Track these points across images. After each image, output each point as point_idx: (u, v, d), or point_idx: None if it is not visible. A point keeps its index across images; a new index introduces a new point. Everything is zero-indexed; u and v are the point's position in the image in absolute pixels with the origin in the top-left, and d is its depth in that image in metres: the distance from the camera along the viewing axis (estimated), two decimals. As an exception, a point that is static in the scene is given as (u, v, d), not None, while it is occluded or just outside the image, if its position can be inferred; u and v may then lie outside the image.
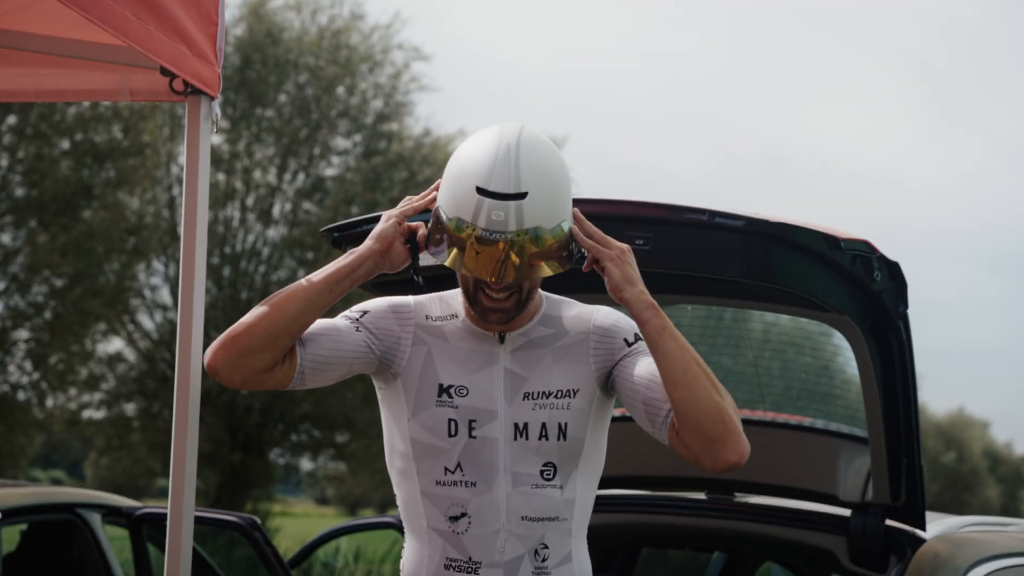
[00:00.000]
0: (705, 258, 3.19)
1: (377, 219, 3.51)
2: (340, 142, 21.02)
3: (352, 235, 3.60)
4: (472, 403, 2.53)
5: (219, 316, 19.12)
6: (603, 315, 2.64)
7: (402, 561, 2.62)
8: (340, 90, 20.63)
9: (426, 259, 3.47)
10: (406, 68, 21.10)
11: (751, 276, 3.22)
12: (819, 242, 3.19)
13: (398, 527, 5.79)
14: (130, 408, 20.48)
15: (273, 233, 20.45)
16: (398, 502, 2.62)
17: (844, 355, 3.91)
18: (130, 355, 20.16)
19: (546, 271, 2.48)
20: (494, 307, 2.50)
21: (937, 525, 3.83)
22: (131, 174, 16.75)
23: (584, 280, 3.24)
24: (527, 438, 2.52)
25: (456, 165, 2.48)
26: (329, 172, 20.94)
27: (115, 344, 20.20)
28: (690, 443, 2.43)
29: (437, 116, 49.35)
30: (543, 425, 2.52)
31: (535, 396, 2.53)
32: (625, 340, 2.60)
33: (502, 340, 2.57)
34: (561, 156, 2.51)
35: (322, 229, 3.67)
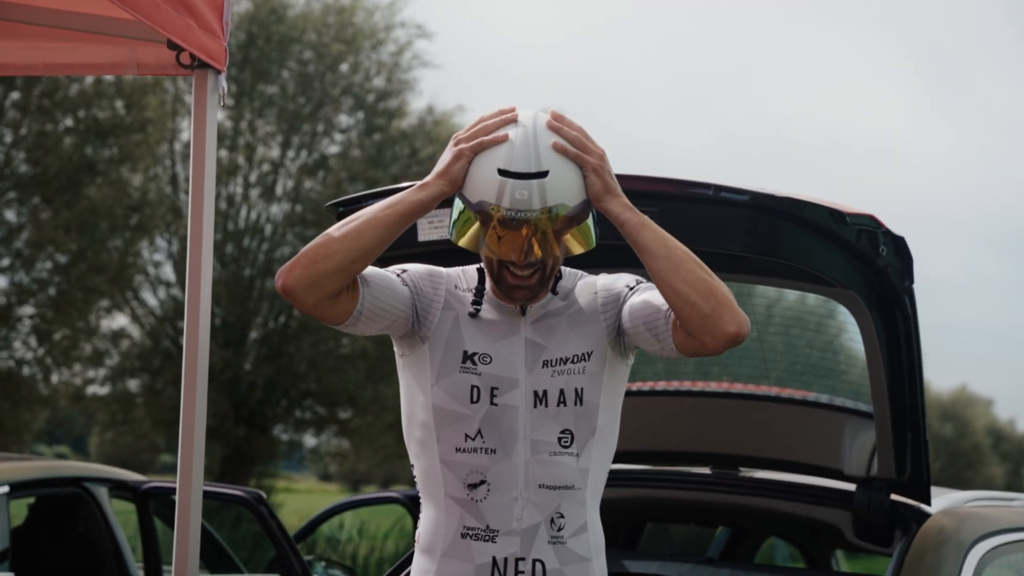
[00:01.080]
0: (711, 233, 3.19)
1: (378, 195, 3.53)
2: (343, 119, 21.01)
3: (357, 210, 3.60)
4: (495, 371, 2.58)
5: (222, 292, 19.15)
6: (606, 276, 2.72)
7: (418, 532, 2.64)
8: (343, 67, 20.60)
9: (429, 234, 3.49)
10: (408, 45, 21.07)
11: (757, 251, 3.23)
12: (825, 217, 3.19)
13: (403, 502, 5.81)
14: (134, 384, 20.52)
15: (276, 210, 20.45)
16: (415, 473, 2.65)
17: (849, 331, 3.92)
18: (134, 331, 20.20)
19: (576, 247, 2.55)
20: (519, 284, 2.56)
21: (942, 500, 3.83)
22: (134, 150, 16.74)
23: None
24: (546, 405, 2.57)
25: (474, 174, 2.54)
26: (332, 149, 20.93)
27: (119, 320, 20.24)
28: (688, 327, 2.48)
29: (441, 94, 49.27)
30: (561, 392, 2.58)
31: (553, 363, 2.59)
32: (627, 286, 2.68)
33: (523, 312, 2.63)
34: None
35: (327, 204, 3.68)
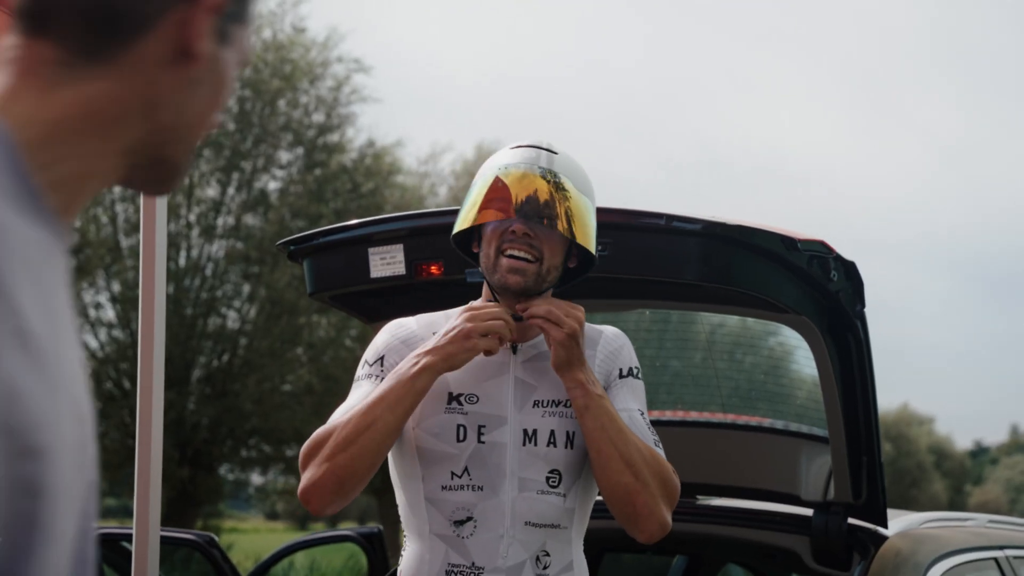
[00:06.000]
0: (663, 262, 3.20)
1: (330, 231, 3.50)
2: (283, 155, 20.94)
3: (308, 248, 3.58)
4: (482, 409, 2.56)
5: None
6: (610, 337, 2.72)
7: (400, 568, 2.61)
8: (282, 103, 20.56)
9: (382, 271, 3.47)
10: (347, 80, 21.07)
11: (710, 279, 3.23)
12: (776, 244, 3.21)
13: (357, 540, 5.75)
14: (76, 428, 20.23)
15: (216, 248, 20.33)
16: (400, 506, 2.62)
17: (794, 354, 3.93)
18: (75, 374, 19.93)
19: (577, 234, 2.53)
20: (515, 267, 2.53)
21: (898, 522, 3.85)
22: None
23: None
24: (535, 444, 2.56)
25: (481, 168, 2.64)
26: (272, 186, 20.86)
27: (59, 364, 19.97)
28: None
29: (379, 127, 49.32)
30: (552, 432, 2.57)
31: (544, 404, 2.59)
32: (620, 370, 2.68)
33: (515, 351, 2.61)
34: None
35: (278, 243, 3.65)
